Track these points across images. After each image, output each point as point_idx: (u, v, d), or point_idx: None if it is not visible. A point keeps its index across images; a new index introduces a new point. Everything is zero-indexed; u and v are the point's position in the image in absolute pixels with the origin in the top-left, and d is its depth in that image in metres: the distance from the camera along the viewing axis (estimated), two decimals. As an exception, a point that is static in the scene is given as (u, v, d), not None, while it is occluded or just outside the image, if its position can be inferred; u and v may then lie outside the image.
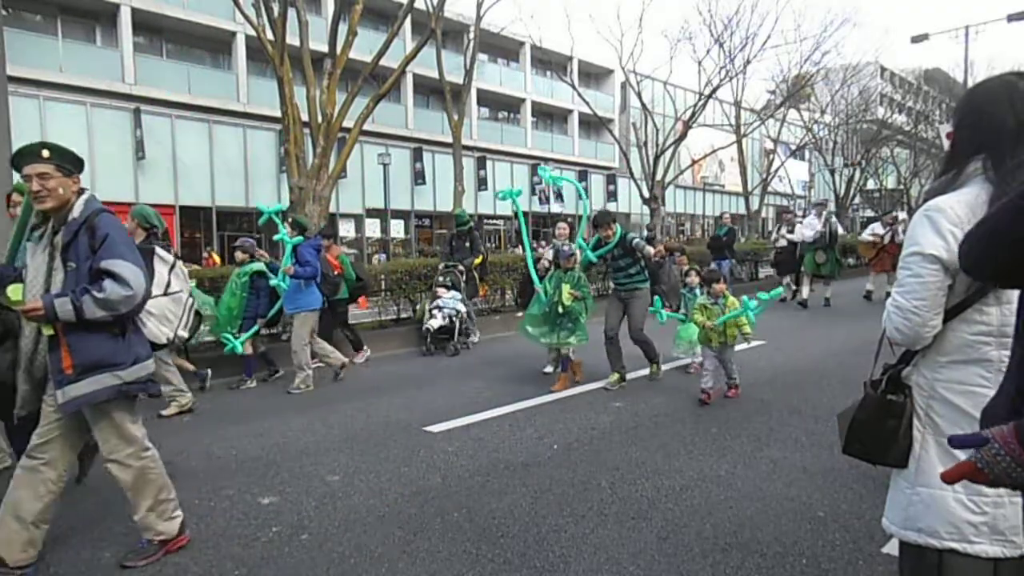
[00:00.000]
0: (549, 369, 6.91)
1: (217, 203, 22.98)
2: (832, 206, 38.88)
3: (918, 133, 36.68)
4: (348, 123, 14.55)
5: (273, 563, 3.00)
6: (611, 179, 36.76)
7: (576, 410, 5.51)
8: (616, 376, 6.25)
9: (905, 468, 1.77)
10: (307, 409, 5.82)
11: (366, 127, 15.23)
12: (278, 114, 14.18)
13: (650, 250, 6.31)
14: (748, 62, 25.41)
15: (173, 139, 22.00)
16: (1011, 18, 20.57)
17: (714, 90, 24.94)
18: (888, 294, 10.28)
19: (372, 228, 26.64)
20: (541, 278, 6.41)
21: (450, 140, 23.28)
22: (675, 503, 3.54)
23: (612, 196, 36.91)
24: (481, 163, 30.54)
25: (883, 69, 42.11)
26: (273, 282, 6.61)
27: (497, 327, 10.12)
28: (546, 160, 31.86)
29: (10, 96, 7.41)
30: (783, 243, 12.88)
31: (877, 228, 12.26)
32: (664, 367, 6.78)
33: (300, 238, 6.65)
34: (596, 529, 3.25)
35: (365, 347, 8.16)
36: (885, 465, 1.81)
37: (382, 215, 26.25)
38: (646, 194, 25.19)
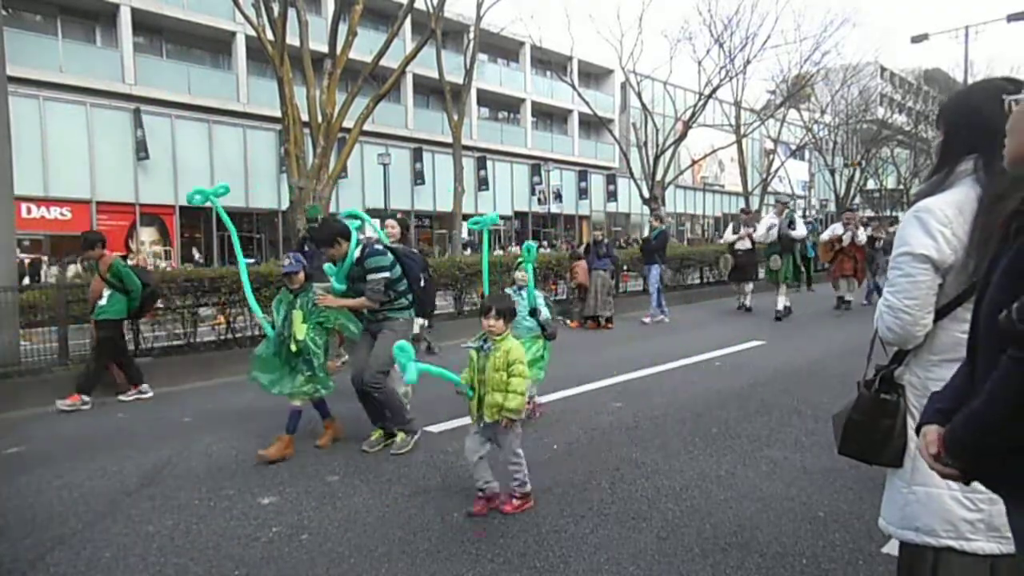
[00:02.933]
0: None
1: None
2: (832, 206, 38.99)
3: (918, 133, 36.71)
4: (348, 123, 14.57)
5: (273, 563, 3.01)
6: (611, 179, 36.78)
7: (576, 410, 5.51)
8: (377, 433, 4.63)
9: (900, 467, 1.78)
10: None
11: (366, 127, 15.25)
12: (278, 114, 14.20)
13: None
14: (748, 62, 25.48)
15: (173, 139, 22.01)
16: (1011, 18, 20.60)
17: (714, 90, 24.96)
18: (841, 299, 9.94)
19: (372, 228, 26.70)
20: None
21: (450, 140, 23.29)
22: (675, 503, 3.55)
23: (612, 196, 36.94)
24: (481, 163, 30.54)
25: (883, 69, 42.17)
26: None
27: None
28: (546, 160, 31.86)
29: (10, 96, 7.42)
30: (747, 244, 11.28)
31: (837, 228, 11.37)
32: (548, 398, 5.63)
33: None
34: (596, 529, 3.25)
35: (120, 397, 6.31)
36: (880, 465, 1.82)
37: (382, 215, 26.28)
38: (646, 194, 25.21)
